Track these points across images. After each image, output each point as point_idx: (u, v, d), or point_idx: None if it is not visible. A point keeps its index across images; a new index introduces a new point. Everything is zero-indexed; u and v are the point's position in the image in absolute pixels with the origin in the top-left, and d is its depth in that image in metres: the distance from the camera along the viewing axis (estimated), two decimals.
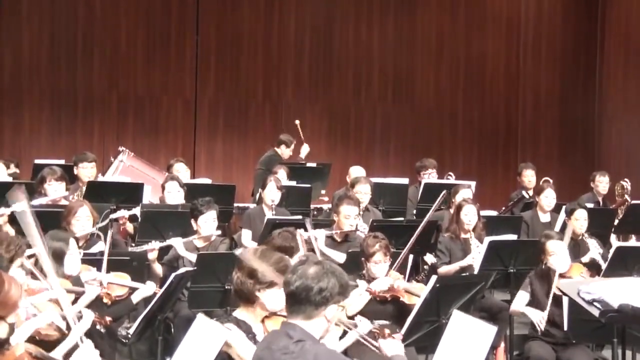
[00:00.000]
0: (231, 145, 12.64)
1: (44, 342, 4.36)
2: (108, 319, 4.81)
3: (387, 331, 5.06)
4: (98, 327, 4.71)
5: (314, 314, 3.22)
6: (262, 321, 3.85)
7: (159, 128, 12.41)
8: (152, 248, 6.28)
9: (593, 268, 6.83)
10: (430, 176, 9.36)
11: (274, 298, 3.77)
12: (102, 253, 5.51)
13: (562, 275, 6.08)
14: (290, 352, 3.14)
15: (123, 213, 7.01)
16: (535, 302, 6.12)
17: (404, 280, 5.92)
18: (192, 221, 6.55)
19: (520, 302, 6.20)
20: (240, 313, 3.84)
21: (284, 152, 10.28)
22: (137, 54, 12.33)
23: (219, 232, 6.70)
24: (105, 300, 5.19)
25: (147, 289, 5.35)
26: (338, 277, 3.25)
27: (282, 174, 8.72)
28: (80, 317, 4.44)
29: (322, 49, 12.96)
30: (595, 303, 4.24)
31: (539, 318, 5.96)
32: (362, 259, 5.80)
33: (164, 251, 6.55)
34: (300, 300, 3.21)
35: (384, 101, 13.24)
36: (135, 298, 5.33)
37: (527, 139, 13.71)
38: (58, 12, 12.01)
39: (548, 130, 13.77)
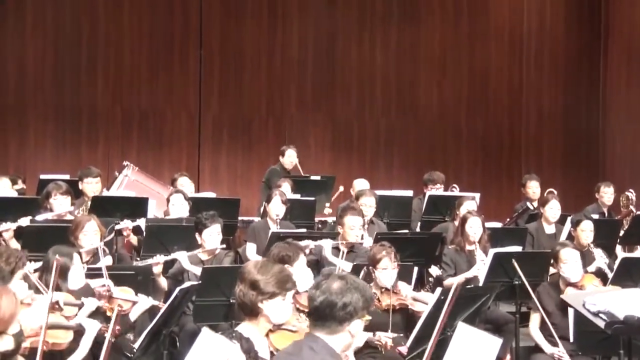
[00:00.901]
0: (235, 159, 12.65)
1: (54, 353, 4.40)
2: (117, 327, 4.80)
3: (389, 343, 5.06)
4: (106, 335, 4.70)
5: (338, 329, 3.18)
6: (267, 335, 3.84)
7: (163, 142, 12.43)
8: (156, 262, 6.28)
9: (599, 277, 6.81)
10: (437, 191, 9.35)
11: (277, 309, 3.77)
12: (107, 267, 5.51)
13: (574, 285, 6.08)
14: None
15: (127, 224, 7.03)
16: (549, 317, 6.06)
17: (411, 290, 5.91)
18: (197, 235, 6.56)
19: (534, 325, 6.19)
20: (244, 327, 3.83)
21: (284, 161, 10.25)
22: (141, 68, 12.38)
23: (224, 245, 6.70)
24: (108, 314, 5.16)
25: (144, 303, 5.32)
26: (362, 292, 3.21)
27: (286, 186, 8.72)
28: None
29: (325, 63, 12.99)
30: (600, 314, 4.25)
31: (556, 352, 5.91)
32: (370, 268, 5.81)
33: (168, 265, 6.55)
34: (325, 316, 3.17)
35: (387, 114, 13.26)
36: (133, 315, 5.30)
37: (531, 151, 13.71)
38: (62, 28, 12.07)
39: (552, 141, 13.77)
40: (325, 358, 3.14)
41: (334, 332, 3.19)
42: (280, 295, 3.78)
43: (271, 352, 3.86)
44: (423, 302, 5.61)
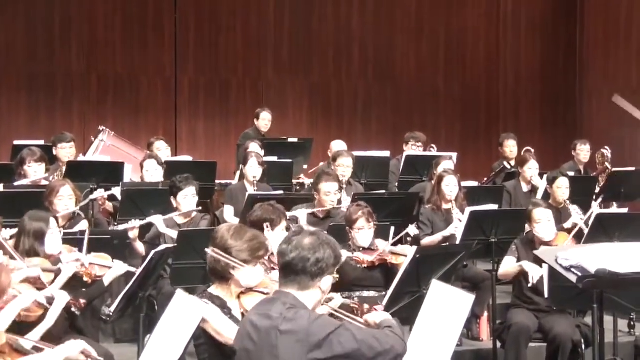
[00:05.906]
0: (213, 123, 12.58)
1: (23, 324, 4.35)
2: (82, 301, 4.75)
3: (366, 306, 5.08)
4: (73, 309, 4.66)
5: (309, 285, 3.21)
6: (238, 297, 3.84)
7: (140, 108, 12.32)
8: (132, 227, 6.26)
9: (575, 233, 6.86)
10: (417, 149, 9.34)
11: (248, 275, 3.76)
12: (83, 232, 5.47)
13: (547, 244, 6.11)
14: (284, 317, 3.13)
15: (101, 193, 6.98)
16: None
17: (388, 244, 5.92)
18: (172, 198, 6.54)
19: (508, 264, 6.20)
20: (214, 290, 3.83)
21: (259, 124, 10.20)
22: (116, 33, 12.21)
23: (200, 208, 6.68)
24: (85, 279, 5.12)
25: (117, 269, 5.26)
26: (333, 248, 3.25)
27: (254, 146, 8.65)
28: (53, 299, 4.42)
29: (302, 26, 12.89)
30: (572, 269, 4.27)
31: (537, 273, 5.86)
32: (347, 228, 5.84)
33: (146, 230, 6.53)
34: (297, 271, 3.20)
35: (364, 76, 13.21)
36: (107, 279, 5.24)
37: (509, 111, 13.74)
38: None
39: (529, 102, 13.80)
40: (299, 308, 3.15)
41: (305, 288, 3.22)
42: (252, 263, 3.77)
43: (242, 314, 3.87)
44: (401, 255, 5.65)
